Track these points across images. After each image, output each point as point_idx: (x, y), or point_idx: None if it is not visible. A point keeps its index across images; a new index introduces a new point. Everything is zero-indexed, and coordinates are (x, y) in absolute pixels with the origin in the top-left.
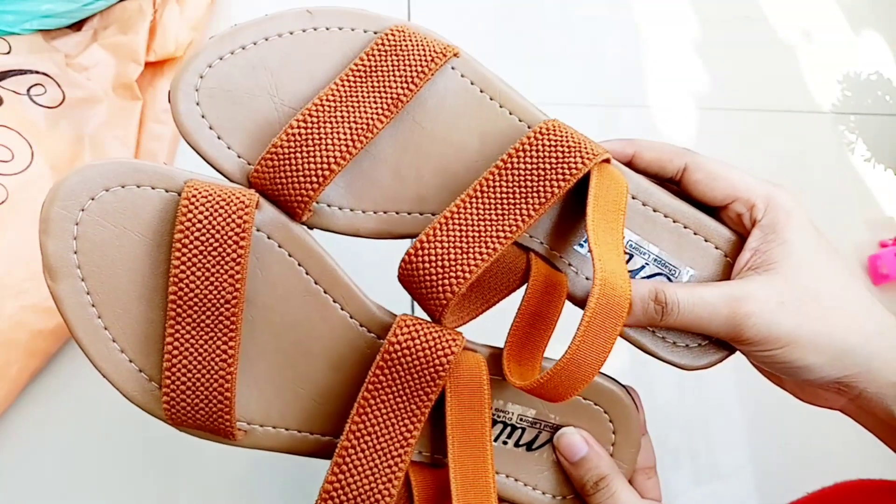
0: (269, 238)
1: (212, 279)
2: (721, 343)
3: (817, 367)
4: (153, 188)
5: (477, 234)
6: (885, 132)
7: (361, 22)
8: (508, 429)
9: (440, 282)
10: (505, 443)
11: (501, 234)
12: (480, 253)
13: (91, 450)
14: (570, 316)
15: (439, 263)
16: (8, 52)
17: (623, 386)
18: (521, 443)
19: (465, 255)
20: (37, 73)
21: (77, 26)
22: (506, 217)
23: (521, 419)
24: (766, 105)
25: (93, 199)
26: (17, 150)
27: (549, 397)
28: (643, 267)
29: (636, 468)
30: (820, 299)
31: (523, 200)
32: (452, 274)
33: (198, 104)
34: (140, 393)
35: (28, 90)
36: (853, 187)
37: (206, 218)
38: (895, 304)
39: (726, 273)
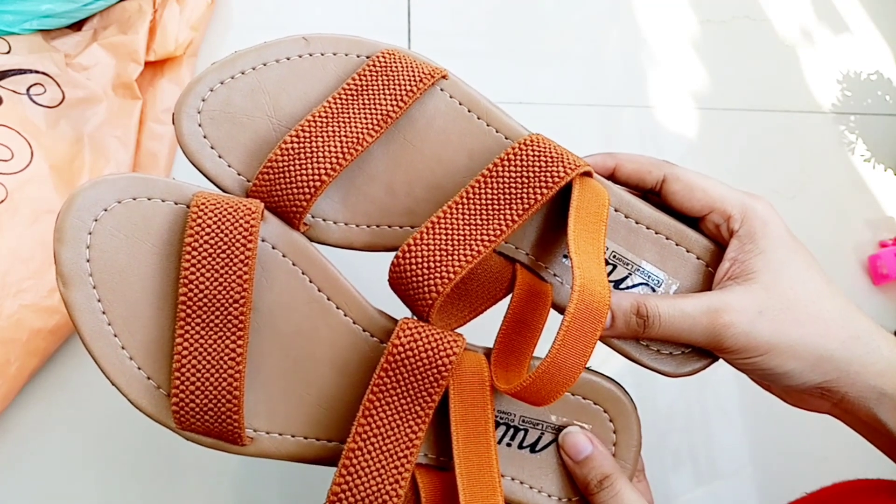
0: (273, 248)
1: (221, 280)
2: (704, 350)
3: (797, 373)
4: (163, 200)
5: (461, 238)
6: (886, 132)
7: (354, 47)
8: (511, 430)
9: (426, 283)
10: (509, 444)
11: (485, 238)
12: (464, 255)
13: (90, 449)
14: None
15: (425, 265)
16: (8, 52)
17: (622, 387)
18: (524, 444)
19: (449, 258)
20: (36, 72)
21: (77, 26)
22: (490, 223)
23: (522, 420)
24: (766, 105)
25: (105, 211)
26: (16, 149)
27: (532, 401)
28: (626, 277)
29: None
30: (797, 307)
31: (507, 207)
32: (437, 275)
33: (200, 126)
34: (148, 400)
35: (28, 90)
36: (853, 187)
37: (214, 223)
38: (895, 304)
39: (708, 282)
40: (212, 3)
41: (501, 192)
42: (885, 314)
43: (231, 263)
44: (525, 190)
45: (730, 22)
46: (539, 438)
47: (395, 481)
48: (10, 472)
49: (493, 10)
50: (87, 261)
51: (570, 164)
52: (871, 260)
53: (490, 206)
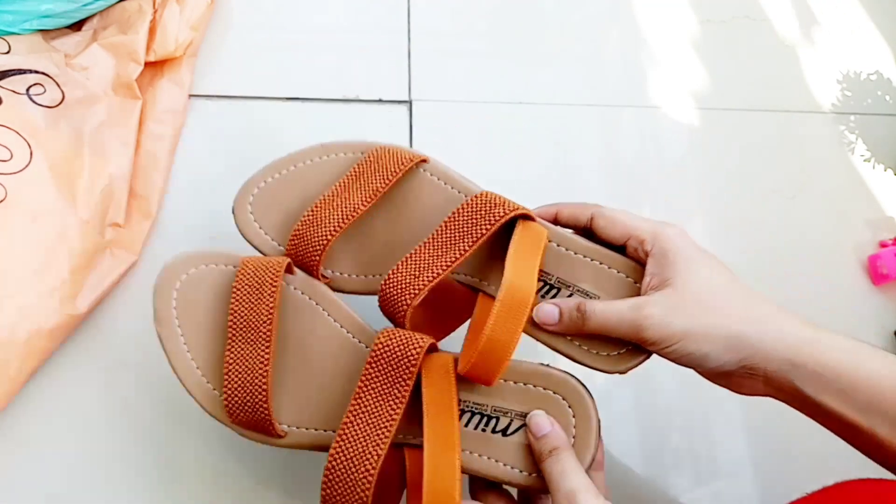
0: (302, 294)
1: (255, 309)
2: (636, 351)
3: (715, 355)
4: (225, 265)
5: (426, 266)
6: (886, 132)
7: (360, 148)
8: (485, 419)
9: (399, 298)
10: (483, 430)
11: (443, 264)
12: (427, 277)
13: (89, 448)
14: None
15: (399, 286)
16: (7, 52)
17: (580, 381)
18: (496, 429)
19: (416, 279)
20: (36, 72)
21: (77, 26)
22: (447, 254)
23: (494, 410)
24: (766, 105)
25: (186, 274)
26: (15, 149)
27: (481, 376)
28: (569, 296)
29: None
30: (707, 300)
31: (460, 241)
32: (407, 292)
33: (251, 213)
34: (210, 403)
35: (27, 90)
36: (853, 187)
37: (252, 273)
38: (895, 304)
39: (635, 295)
40: (212, 3)
41: (457, 232)
42: (885, 314)
43: (263, 297)
44: (473, 229)
45: (730, 22)
46: (509, 425)
47: (376, 444)
48: (10, 471)
49: (493, 10)
50: (174, 308)
51: (507, 208)
52: (871, 260)
53: (448, 242)
